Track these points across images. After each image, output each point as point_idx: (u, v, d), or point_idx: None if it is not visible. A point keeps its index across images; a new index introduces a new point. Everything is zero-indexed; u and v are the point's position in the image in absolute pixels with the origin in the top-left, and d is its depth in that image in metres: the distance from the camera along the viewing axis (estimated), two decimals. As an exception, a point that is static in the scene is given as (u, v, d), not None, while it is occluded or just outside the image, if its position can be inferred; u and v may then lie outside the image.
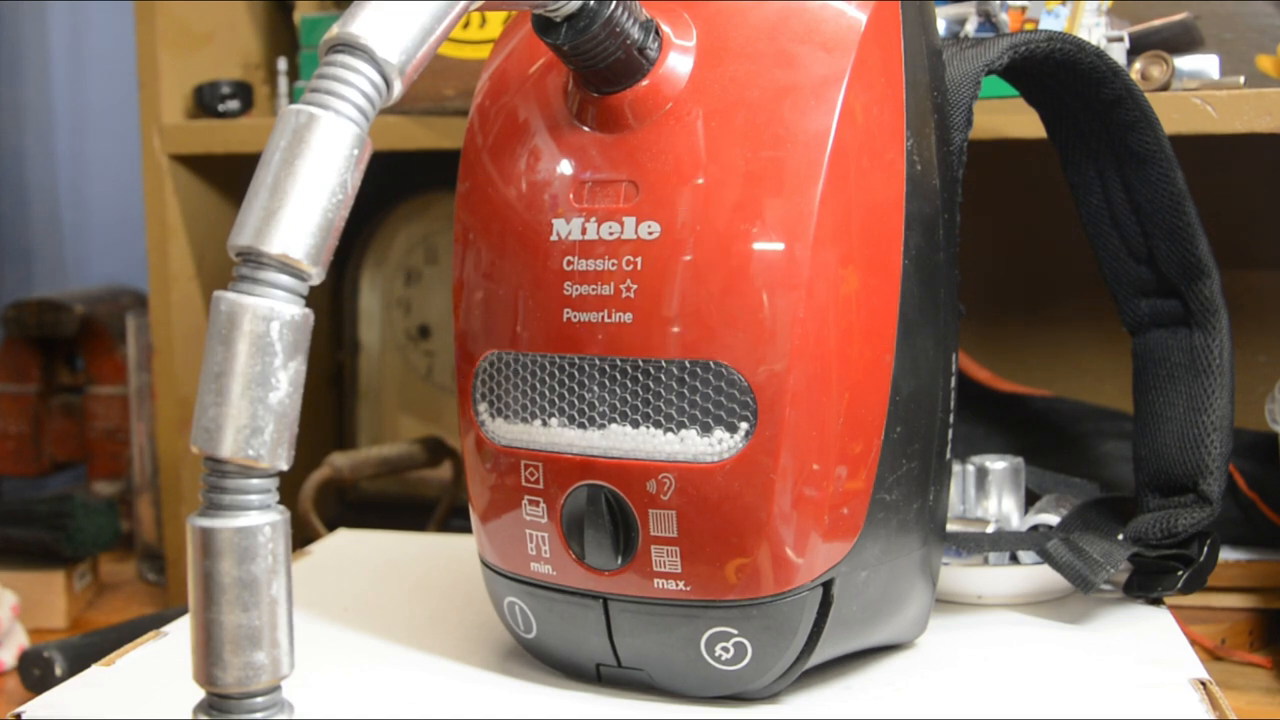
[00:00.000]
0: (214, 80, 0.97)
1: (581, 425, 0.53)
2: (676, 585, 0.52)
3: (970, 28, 0.81)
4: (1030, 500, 0.75)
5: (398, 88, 0.40)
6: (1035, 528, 0.72)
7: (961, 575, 0.68)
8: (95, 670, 0.59)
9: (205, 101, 0.96)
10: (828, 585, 0.52)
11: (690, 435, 0.51)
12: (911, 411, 0.54)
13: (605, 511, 0.52)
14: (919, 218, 0.54)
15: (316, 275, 0.38)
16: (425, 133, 0.89)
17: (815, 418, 0.50)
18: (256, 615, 0.37)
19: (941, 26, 0.82)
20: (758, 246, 0.50)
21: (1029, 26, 0.81)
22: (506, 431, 0.55)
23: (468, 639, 0.63)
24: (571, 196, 0.53)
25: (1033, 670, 0.58)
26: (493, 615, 0.64)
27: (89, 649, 0.78)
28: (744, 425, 0.50)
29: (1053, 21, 0.81)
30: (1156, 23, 0.81)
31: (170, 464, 0.97)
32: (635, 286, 0.51)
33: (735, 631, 0.52)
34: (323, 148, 0.38)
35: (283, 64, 1.02)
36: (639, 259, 0.51)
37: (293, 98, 1.00)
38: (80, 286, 1.22)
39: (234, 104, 0.96)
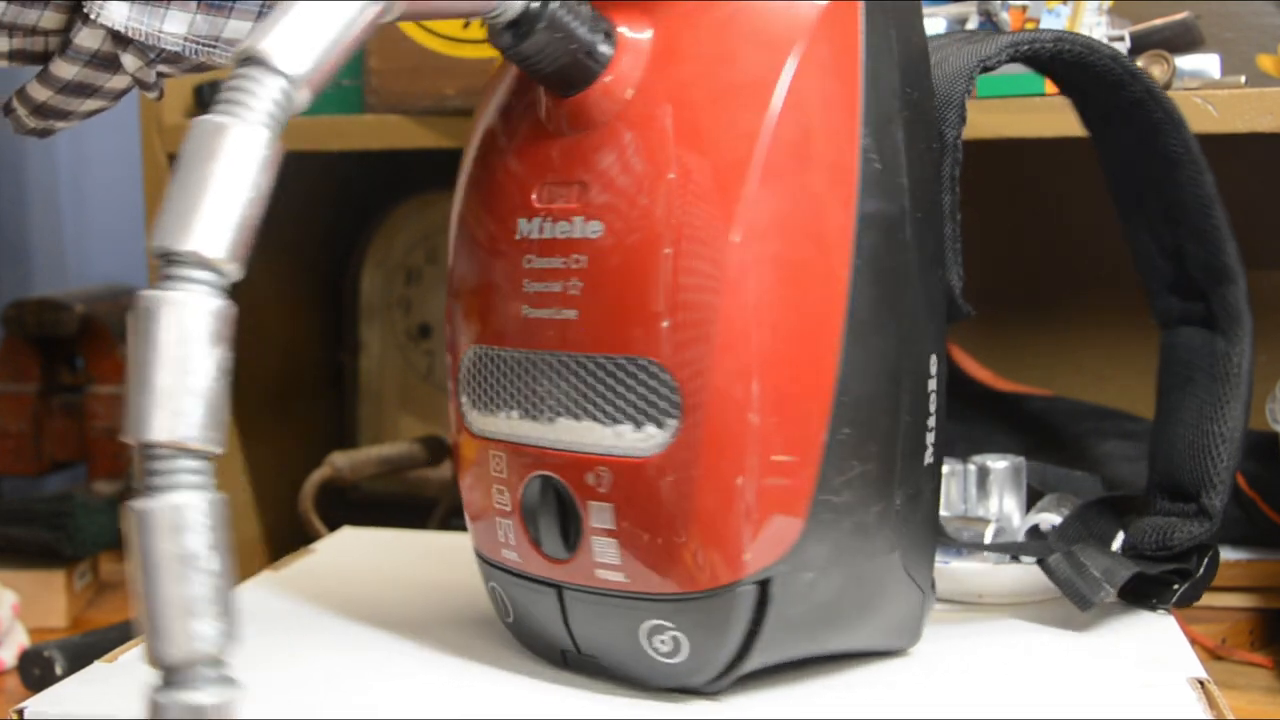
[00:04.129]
0: (214, 80, 0.97)
1: (534, 418, 0.55)
2: (617, 576, 0.53)
3: (971, 27, 0.81)
4: (1032, 498, 0.75)
5: (304, 96, 0.42)
6: (1036, 527, 0.72)
7: (961, 575, 0.68)
8: (98, 666, 0.59)
9: (205, 101, 0.96)
10: (765, 584, 0.52)
11: (624, 430, 0.52)
12: (864, 414, 0.53)
13: (553, 502, 0.54)
14: (878, 218, 0.53)
15: (232, 270, 0.40)
16: (425, 133, 0.89)
17: (743, 416, 0.50)
18: (197, 587, 0.38)
19: (942, 26, 0.82)
20: (684, 246, 0.51)
21: (1030, 26, 0.81)
22: (480, 422, 0.57)
23: (470, 636, 0.63)
24: (534, 197, 0.54)
25: (1032, 669, 0.58)
26: (495, 613, 0.64)
27: (89, 648, 0.77)
28: (672, 422, 0.51)
29: (1053, 21, 0.81)
30: (1157, 22, 0.81)
31: (170, 463, 0.97)
32: (580, 284, 0.53)
33: (671, 625, 0.53)
34: (231, 153, 0.40)
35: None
36: (584, 258, 0.53)
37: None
38: (80, 286, 1.22)
39: (234, 103, 0.96)
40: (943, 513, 0.73)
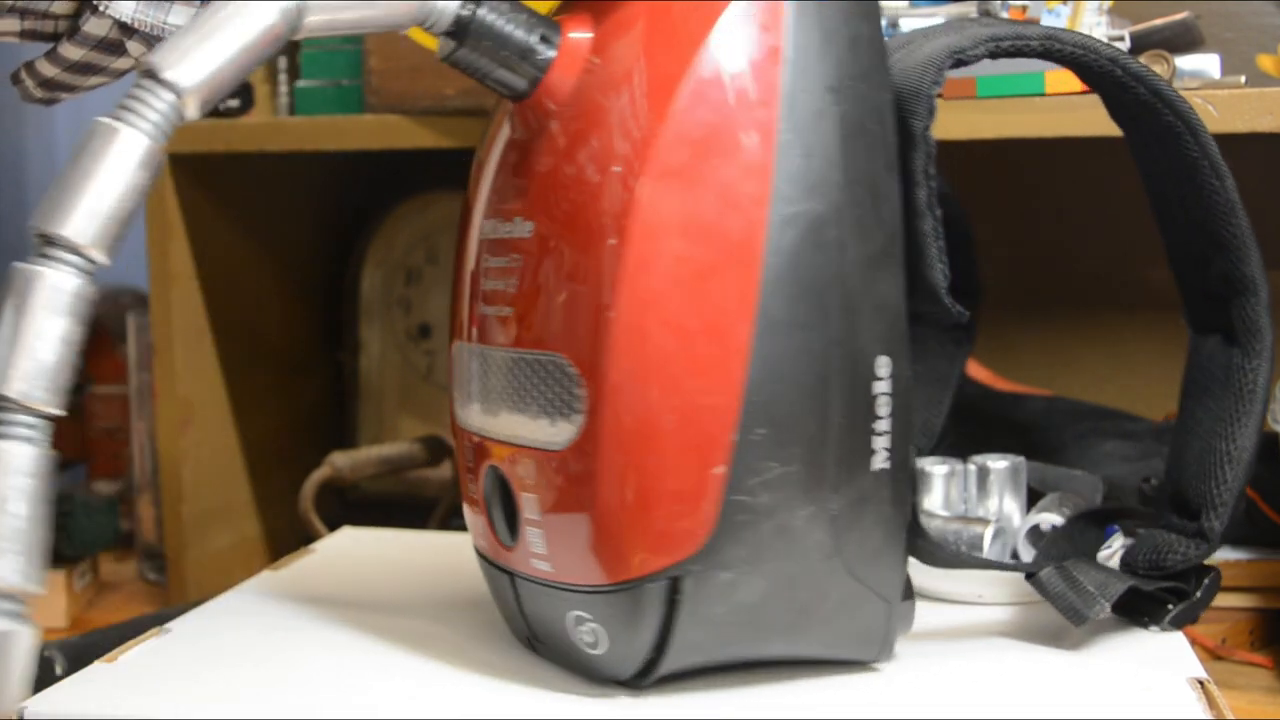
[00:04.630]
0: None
1: (488, 411, 0.57)
2: (546, 566, 0.55)
3: (971, 27, 0.81)
4: (1032, 499, 0.75)
5: (192, 107, 0.48)
6: (1036, 527, 0.72)
7: (962, 575, 0.68)
8: (98, 666, 0.59)
9: (206, 101, 0.96)
10: (675, 581, 0.52)
11: (543, 424, 0.54)
12: (783, 415, 0.52)
13: (499, 492, 0.57)
14: (799, 216, 0.52)
15: (98, 256, 0.46)
16: (425, 133, 0.89)
17: (641, 412, 0.51)
18: (6, 524, 0.44)
19: (942, 26, 0.82)
20: (584, 245, 0.52)
21: (1029, 26, 0.81)
22: (458, 414, 0.60)
23: (470, 636, 0.63)
24: (494, 199, 0.57)
25: (1032, 669, 0.58)
26: (497, 613, 0.64)
27: (89, 648, 0.77)
28: (578, 417, 0.52)
29: (1053, 20, 0.81)
30: (1157, 22, 0.81)
31: (170, 463, 0.97)
32: (516, 283, 0.55)
33: (590, 617, 0.54)
34: (114, 155, 0.46)
35: (283, 63, 1.02)
36: (520, 257, 0.55)
37: (293, 97, 1.00)
38: (80, 286, 1.22)
39: (234, 103, 0.96)
40: (942, 512, 0.73)
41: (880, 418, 0.54)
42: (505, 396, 0.55)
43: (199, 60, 0.47)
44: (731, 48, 0.52)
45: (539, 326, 0.54)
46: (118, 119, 0.47)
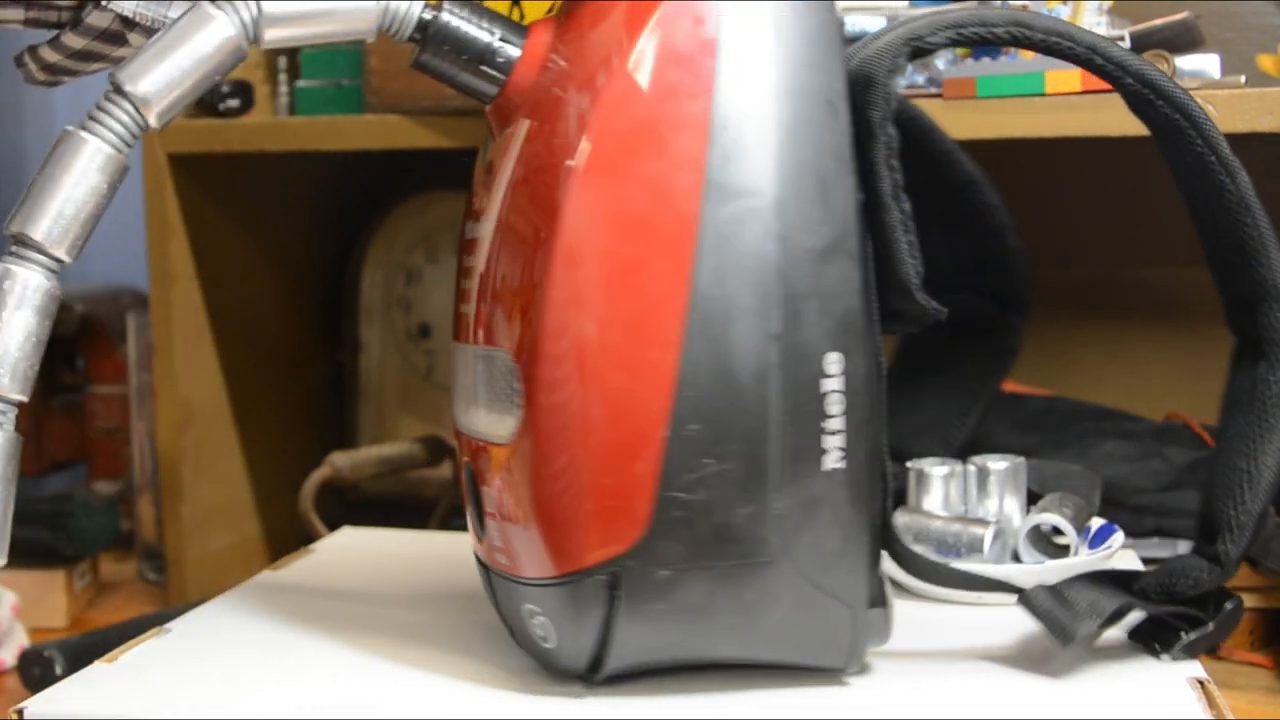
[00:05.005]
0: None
1: (460, 408, 0.58)
2: (504, 559, 0.56)
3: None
4: (1030, 500, 0.75)
5: (153, 117, 0.52)
6: (1037, 528, 0.72)
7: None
8: (98, 667, 0.59)
9: (205, 100, 0.96)
10: (614, 577, 0.53)
11: (494, 419, 0.55)
12: (717, 411, 0.52)
13: (470, 486, 0.58)
14: (738, 208, 0.52)
15: (64, 256, 0.51)
16: (425, 133, 0.89)
17: (572, 407, 0.51)
18: None
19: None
20: (522, 240, 0.53)
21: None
22: (454, 412, 0.61)
23: (470, 637, 0.63)
24: (473, 199, 0.58)
25: (1032, 669, 0.58)
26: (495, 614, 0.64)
27: (89, 648, 0.77)
28: (518, 411, 0.53)
29: (1053, 21, 0.81)
30: (1157, 22, 0.81)
31: (170, 463, 0.97)
32: (477, 280, 0.56)
33: (539, 610, 0.55)
34: (81, 164, 0.51)
35: (283, 63, 1.02)
36: (482, 256, 0.56)
37: (293, 97, 1.00)
38: (80, 286, 1.22)
39: (234, 103, 0.96)
40: (941, 513, 0.73)
41: (831, 416, 0.53)
42: (473, 392, 0.56)
43: (159, 74, 0.51)
44: (665, 43, 0.52)
45: (489, 322, 0.55)
46: (84, 129, 0.51)
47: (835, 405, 0.53)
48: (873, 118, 0.55)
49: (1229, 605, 0.59)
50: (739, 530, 0.52)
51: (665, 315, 0.51)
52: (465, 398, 0.57)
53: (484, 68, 0.55)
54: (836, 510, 0.53)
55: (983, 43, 0.57)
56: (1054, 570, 0.68)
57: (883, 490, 0.56)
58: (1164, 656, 0.58)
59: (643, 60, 0.52)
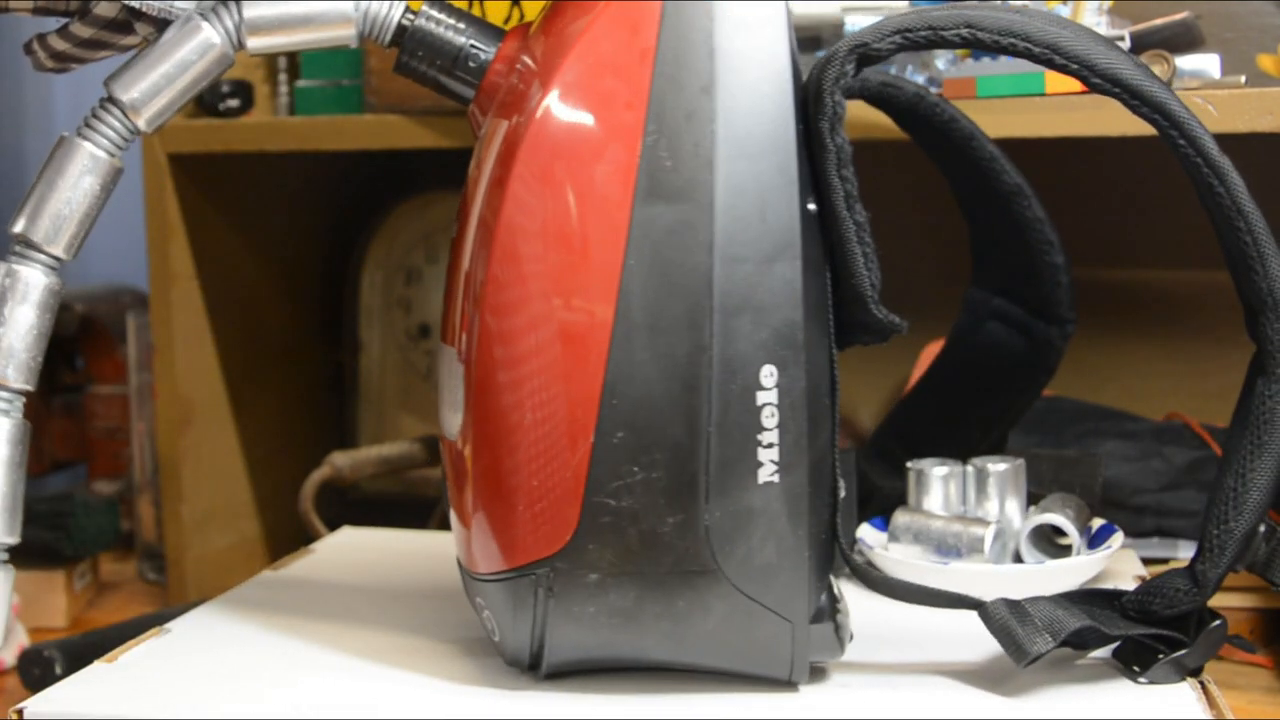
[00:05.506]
0: (214, 82, 0.97)
1: (441, 405, 0.59)
2: (462, 554, 0.57)
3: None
4: (1031, 500, 0.75)
5: (144, 124, 0.56)
6: (1038, 528, 0.72)
7: (962, 576, 0.68)
8: (98, 666, 0.59)
9: (205, 100, 0.96)
10: (545, 576, 0.53)
11: (450, 416, 0.56)
12: (644, 419, 0.52)
13: (444, 482, 0.59)
14: (665, 219, 0.52)
15: (63, 255, 0.55)
16: (425, 133, 0.89)
17: (503, 408, 0.52)
18: None
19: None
20: (465, 248, 0.54)
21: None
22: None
23: (470, 637, 0.63)
24: (462, 201, 0.58)
25: (1032, 669, 0.58)
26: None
27: (89, 648, 0.77)
28: (462, 410, 0.54)
29: (1053, 21, 0.80)
30: (1157, 22, 0.81)
31: (170, 463, 0.97)
32: (446, 283, 0.57)
33: (484, 604, 0.56)
34: (76, 169, 0.55)
35: (283, 63, 1.02)
36: (451, 258, 0.57)
37: (293, 97, 1.00)
38: (80, 286, 1.22)
39: (234, 103, 0.96)
40: (941, 514, 0.73)
41: (766, 429, 0.52)
42: (440, 390, 0.58)
43: (148, 83, 0.55)
44: (601, 51, 0.53)
45: (447, 322, 0.56)
46: (79, 135, 0.55)
47: (770, 418, 0.52)
48: (821, 129, 0.54)
49: (1212, 625, 0.56)
50: (668, 539, 0.53)
51: (593, 323, 0.52)
52: (440, 396, 0.58)
53: (458, 72, 0.57)
54: (772, 523, 0.53)
55: (932, 45, 0.55)
56: (1055, 570, 0.69)
57: (830, 504, 0.55)
58: (1141, 680, 0.57)
59: (579, 68, 0.52)
